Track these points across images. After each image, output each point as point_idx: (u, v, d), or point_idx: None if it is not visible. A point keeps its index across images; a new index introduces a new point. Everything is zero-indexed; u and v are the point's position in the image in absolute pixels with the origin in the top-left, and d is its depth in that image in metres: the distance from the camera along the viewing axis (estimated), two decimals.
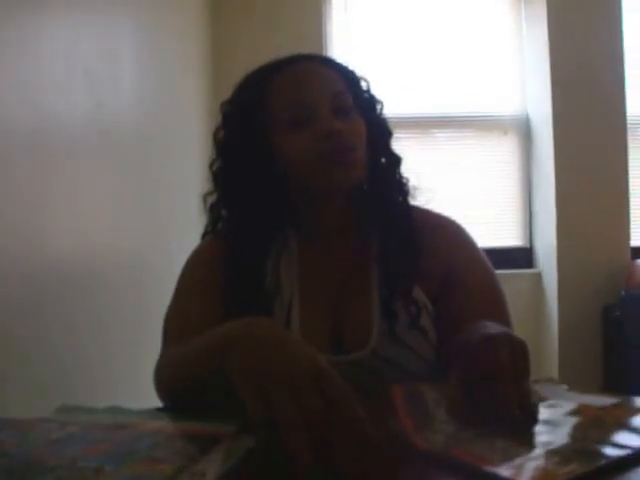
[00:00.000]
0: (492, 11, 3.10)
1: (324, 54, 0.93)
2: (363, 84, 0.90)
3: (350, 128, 0.81)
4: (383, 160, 0.88)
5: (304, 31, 2.90)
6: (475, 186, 3.03)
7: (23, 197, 1.05)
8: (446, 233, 0.88)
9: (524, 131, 3.09)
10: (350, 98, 0.84)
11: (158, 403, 0.73)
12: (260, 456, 0.52)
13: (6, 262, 0.98)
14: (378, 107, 0.90)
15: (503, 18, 3.11)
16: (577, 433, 0.54)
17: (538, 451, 0.50)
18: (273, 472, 0.52)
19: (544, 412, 0.58)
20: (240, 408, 0.50)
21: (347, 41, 2.99)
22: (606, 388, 2.72)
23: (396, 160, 0.89)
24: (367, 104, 0.88)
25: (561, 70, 2.84)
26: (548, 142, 2.89)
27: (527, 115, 3.09)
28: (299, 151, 0.81)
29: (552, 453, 0.49)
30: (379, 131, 0.88)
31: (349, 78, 0.87)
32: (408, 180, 0.89)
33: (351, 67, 0.91)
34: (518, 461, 0.48)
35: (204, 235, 0.93)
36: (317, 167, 0.80)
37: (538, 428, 0.55)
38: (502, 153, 3.10)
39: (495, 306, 0.84)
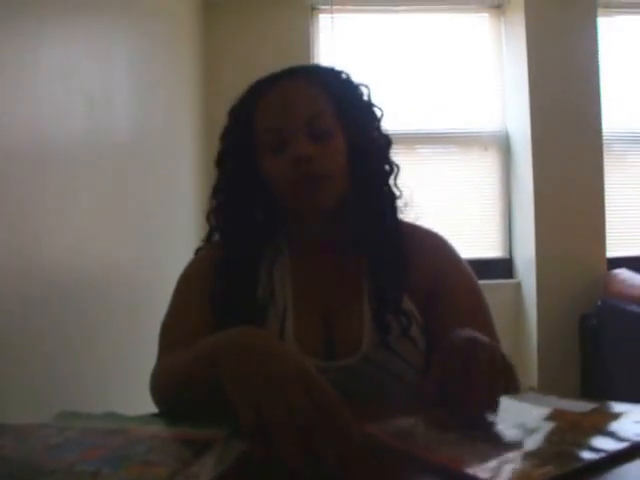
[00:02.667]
0: (473, 32, 3.19)
1: (317, 65, 0.90)
2: (362, 90, 0.89)
3: (325, 152, 0.81)
4: (378, 169, 0.88)
5: (291, 49, 2.94)
6: (457, 200, 3.09)
7: (21, 213, 1.06)
8: (432, 246, 0.90)
9: (504, 147, 3.16)
10: (329, 119, 0.83)
11: (152, 409, 0.75)
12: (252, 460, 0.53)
13: (4, 275, 0.99)
14: (377, 114, 0.89)
15: (484, 39, 3.18)
16: (554, 437, 0.55)
17: (516, 453, 0.52)
18: (264, 475, 0.54)
19: (523, 416, 0.60)
20: (232, 413, 0.52)
21: (333, 59, 3.03)
22: (583, 394, 2.77)
23: (391, 170, 0.90)
24: (360, 116, 0.87)
25: (539, 88, 2.91)
26: (527, 157, 2.96)
27: (507, 131, 3.16)
28: (275, 174, 0.83)
29: (529, 455, 0.51)
30: (373, 142, 0.88)
31: (336, 93, 0.85)
32: (401, 193, 0.90)
33: (345, 75, 0.90)
34: (495, 463, 0.49)
35: (197, 251, 0.94)
36: (289, 191, 0.83)
37: (516, 432, 0.56)
38: (483, 168, 3.17)
39: (479, 315, 0.86)
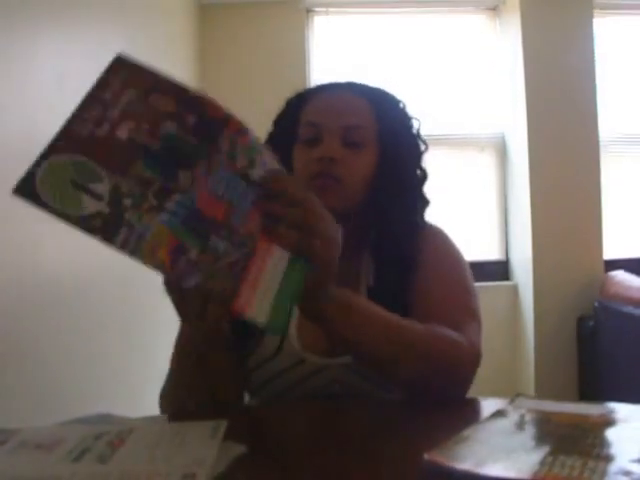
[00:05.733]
0: (469, 34, 3.20)
1: (377, 89, 1.00)
2: (400, 106, 0.97)
3: (351, 160, 0.85)
4: (407, 181, 0.92)
5: (287, 51, 2.95)
6: (453, 202, 3.09)
7: (17, 217, 1.06)
8: (430, 241, 0.92)
9: (500, 149, 3.17)
10: (365, 134, 0.88)
11: (153, 411, 0.75)
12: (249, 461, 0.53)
13: (1, 279, 0.99)
14: (414, 129, 0.96)
15: (480, 41, 3.20)
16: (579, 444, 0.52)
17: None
18: (262, 476, 0.54)
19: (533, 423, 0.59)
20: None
21: (328, 61, 3.05)
22: (580, 396, 2.78)
23: (421, 180, 0.95)
24: (397, 131, 0.93)
25: (535, 90, 2.92)
26: (523, 159, 2.96)
27: (503, 133, 3.17)
28: (299, 165, 0.88)
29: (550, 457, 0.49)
30: (408, 153, 0.93)
31: (379, 109, 0.91)
32: (428, 201, 0.97)
33: (398, 103, 0.98)
34: (514, 464, 0.48)
35: None
36: (304, 184, 0.85)
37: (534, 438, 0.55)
38: (479, 170, 3.18)
39: (461, 297, 0.85)
